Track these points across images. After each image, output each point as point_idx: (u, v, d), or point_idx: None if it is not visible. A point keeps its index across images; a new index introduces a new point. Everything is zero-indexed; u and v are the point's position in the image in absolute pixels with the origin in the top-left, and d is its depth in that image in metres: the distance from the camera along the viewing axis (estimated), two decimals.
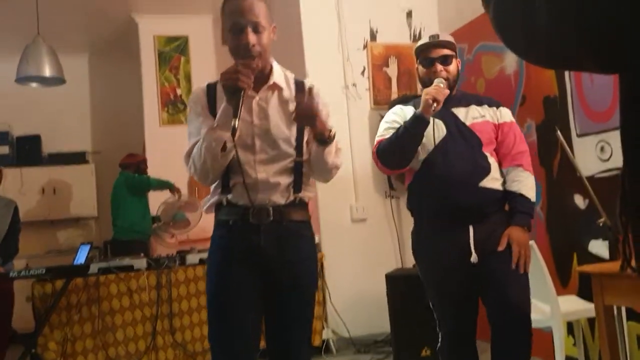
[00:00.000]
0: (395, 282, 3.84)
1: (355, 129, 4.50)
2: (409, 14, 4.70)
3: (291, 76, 2.00)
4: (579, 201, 3.33)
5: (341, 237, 4.43)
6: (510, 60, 3.89)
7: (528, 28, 0.88)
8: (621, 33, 0.79)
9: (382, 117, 4.46)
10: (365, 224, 4.50)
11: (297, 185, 1.91)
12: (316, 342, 4.24)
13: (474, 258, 2.30)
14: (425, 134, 2.33)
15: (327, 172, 1.97)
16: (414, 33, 4.68)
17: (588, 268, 2.55)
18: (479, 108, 2.44)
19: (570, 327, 3.25)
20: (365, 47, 4.56)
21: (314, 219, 4.46)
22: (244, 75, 1.76)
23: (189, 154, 1.89)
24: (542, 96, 3.58)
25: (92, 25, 5.93)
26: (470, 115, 2.41)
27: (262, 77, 1.91)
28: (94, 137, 6.83)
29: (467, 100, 2.47)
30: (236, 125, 1.73)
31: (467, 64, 4.37)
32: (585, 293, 3.19)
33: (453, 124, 2.39)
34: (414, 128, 2.30)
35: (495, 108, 2.47)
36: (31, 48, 4.60)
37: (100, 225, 6.63)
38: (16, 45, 4.97)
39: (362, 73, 4.55)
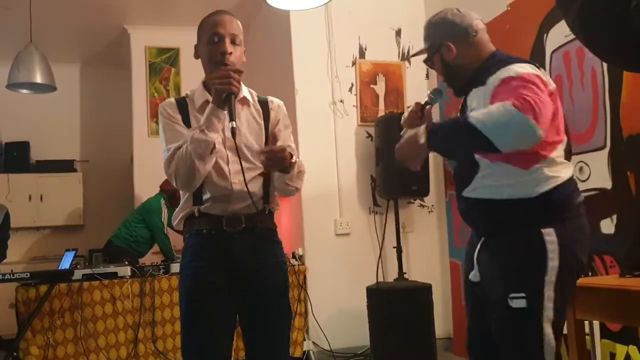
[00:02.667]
0: (376, 295, 3.89)
1: (342, 145, 4.57)
2: (398, 32, 4.80)
3: (254, 93, 2.10)
4: None
5: (325, 251, 4.48)
6: (493, 82, 3.98)
7: (619, 32, 0.92)
8: None
9: (369, 134, 4.59)
10: (348, 238, 4.55)
11: (266, 196, 2.00)
12: (297, 353, 4.27)
13: (472, 276, 1.99)
14: None
15: (287, 192, 2.02)
16: (402, 51, 4.78)
17: None
18: (477, 91, 1.94)
19: None
20: (353, 64, 4.65)
21: (298, 232, 4.55)
22: (235, 80, 1.84)
23: (170, 160, 1.90)
24: None
25: (85, 35, 5.98)
26: (469, 108, 1.97)
27: None
28: (83, 146, 6.86)
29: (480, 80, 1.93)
30: (235, 126, 1.80)
31: None
32: None
33: None
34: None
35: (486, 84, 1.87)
36: (23, 55, 4.65)
37: (86, 234, 6.64)
38: (8, 52, 5.02)
39: (350, 90, 4.63)
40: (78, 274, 3.89)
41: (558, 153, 1.84)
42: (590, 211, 3.00)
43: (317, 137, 4.51)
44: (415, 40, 4.79)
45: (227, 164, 1.94)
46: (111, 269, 4.04)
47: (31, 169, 6.44)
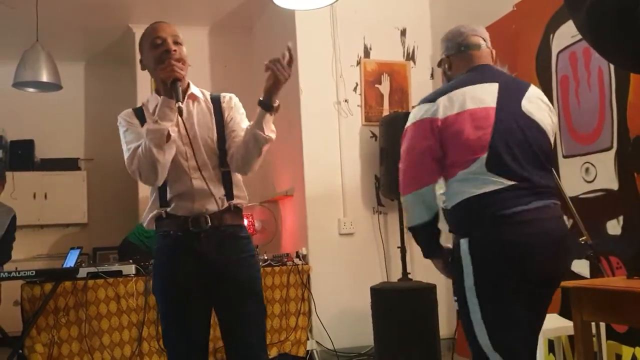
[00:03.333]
0: (380, 295, 3.89)
1: (346, 144, 4.57)
2: (403, 32, 4.80)
3: (207, 92, 2.21)
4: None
5: (328, 251, 4.49)
6: None
7: (627, 34, 0.93)
8: None
9: (373, 133, 4.59)
10: (352, 238, 4.55)
11: (229, 193, 2.10)
12: (300, 352, 4.28)
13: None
14: None
15: (257, 149, 2.03)
16: (407, 51, 4.78)
17: (568, 283, 2.62)
18: None
19: (551, 345, 3.31)
20: (358, 63, 4.65)
21: (302, 232, 4.55)
22: (178, 67, 1.98)
23: (132, 157, 1.98)
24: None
25: (90, 34, 5.99)
26: None
27: (182, 91, 2.06)
28: (87, 144, 6.87)
29: None
30: (181, 106, 1.92)
31: None
32: (566, 312, 3.25)
33: None
34: None
35: None
36: (29, 54, 4.66)
37: (90, 232, 6.65)
38: (14, 50, 5.03)
39: (355, 89, 4.63)
40: (83, 272, 3.89)
41: (474, 169, 1.93)
42: (596, 212, 3.00)
43: (321, 137, 4.51)
44: (420, 40, 4.80)
45: (186, 160, 2.05)
46: (116, 267, 4.05)
47: (36, 167, 6.46)
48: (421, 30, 4.83)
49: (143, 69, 2.18)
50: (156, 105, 2.02)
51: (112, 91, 6.64)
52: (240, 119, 2.17)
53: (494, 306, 1.90)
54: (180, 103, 1.92)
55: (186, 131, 2.05)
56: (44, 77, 4.60)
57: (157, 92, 2.13)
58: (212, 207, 2.05)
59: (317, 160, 4.53)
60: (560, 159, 3.42)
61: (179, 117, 2.01)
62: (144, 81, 5.74)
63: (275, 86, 1.99)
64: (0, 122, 6.35)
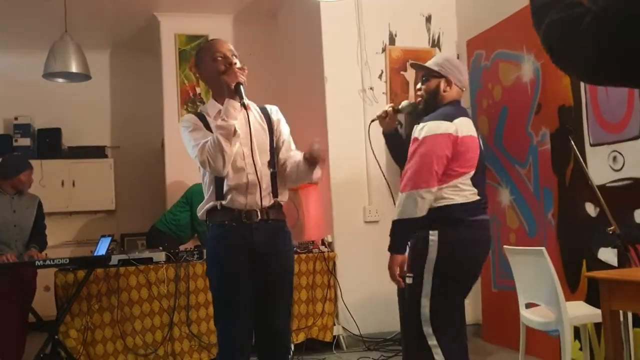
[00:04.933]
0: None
1: (371, 132, 4.56)
2: (428, 19, 4.77)
3: (253, 104, 2.50)
4: (590, 209, 3.40)
5: (354, 238, 4.53)
6: (527, 69, 3.96)
7: (575, 50, 0.98)
8: None
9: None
10: (377, 226, 4.58)
11: (275, 191, 2.39)
12: (327, 338, 4.35)
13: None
14: None
15: (302, 182, 2.49)
16: (432, 38, 4.76)
17: (596, 274, 2.62)
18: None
19: (577, 332, 3.32)
20: (383, 50, 4.64)
21: (328, 219, 4.59)
22: (241, 73, 2.30)
23: (202, 149, 2.24)
24: (557, 105, 3.66)
25: (115, 23, 6.05)
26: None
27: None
28: (113, 132, 6.96)
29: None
30: (246, 103, 2.28)
31: (484, 70, 4.44)
32: (593, 299, 3.26)
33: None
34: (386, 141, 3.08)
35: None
36: (59, 44, 4.72)
37: (118, 219, 6.77)
38: (43, 40, 5.10)
39: (380, 77, 4.63)
40: (114, 259, 3.99)
41: (462, 180, 2.49)
42: (624, 201, 3.02)
43: (346, 125, 4.53)
44: (446, 26, 4.78)
45: (244, 158, 2.33)
46: (146, 254, 4.14)
47: (63, 155, 6.56)
48: (446, 17, 4.80)
49: (199, 78, 2.59)
50: (219, 110, 2.32)
51: (138, 79, 6.71)
52: (286, 131, 2.53)
53: (441, 281, 2.44)
54: (245, 100, 2.26)
55: (249, 130, 2.31)
56: (73, 68, 4.67)
57: (215, 98, 2.43)
58: (262, 202, 2.32)
59: (342, 148, 4.55)
60: (588, 148, 3.41)
61: (245, 114, 2.31)
62: (169, 70, 5.82)
63: (315, 161, 2.35)
64: (28, 110, 6.47)
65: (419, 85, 2.78)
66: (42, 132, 6.53)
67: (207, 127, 2.36)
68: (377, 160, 3.17)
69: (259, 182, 2.31)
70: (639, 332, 2.99)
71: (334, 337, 4.38)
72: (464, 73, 2.78)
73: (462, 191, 2.50)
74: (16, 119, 6.42)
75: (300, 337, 4.25)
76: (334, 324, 4.40)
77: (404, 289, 3.89)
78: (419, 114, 2.98)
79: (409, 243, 2.54)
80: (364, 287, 4.44)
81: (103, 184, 6.55)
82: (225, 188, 2.33)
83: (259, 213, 2.32)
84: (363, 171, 4.55)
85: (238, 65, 2.35)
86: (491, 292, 4.47)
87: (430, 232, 2.45)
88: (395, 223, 2.48)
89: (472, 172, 2.53)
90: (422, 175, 2.41)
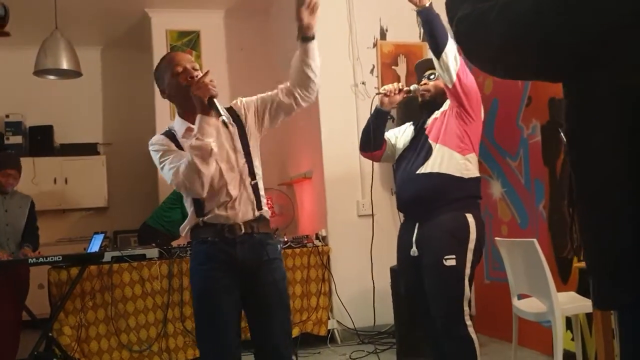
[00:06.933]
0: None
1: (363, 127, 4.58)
2: None
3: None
4: None
5: (347, 232, 4.54)
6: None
7: (485, 44, 1.02)
8: (562, 46, 0.92)
9: (391, 115, 4.60)
10: (371, 219, 4.58)
11: (258, 203, 2.25)
12: (322, 332, 4.37)
13: (413, 252, 2.65)
14: (401, 136, 2.91)
15: (312, 72, 2.22)
16: (423, 32, 4.76)
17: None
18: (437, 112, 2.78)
19: (569, 323, 3.35)
20: (375, 45, 4.65)
21: (321, 214, 4.60)
22: (212, 85, 2.10)
23: (176, 173, 2.09)
24: (548, 97, 3.68)
25: (106, 19, 6.03)
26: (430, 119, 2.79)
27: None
28: (106, 129, 6.95)
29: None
30: (225, 120, 2.13)
31: None
32: (584, 290, 3.29)
33: (420, 129, 2.81)
34: (373, 117, 2.93)
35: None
36: (49, 41, 4.70)
37: (111, 216, 6.76)
38: (33, 37, 5.08)
39: (372, 71, 4.64)
40: (107, 256, 3.99)
41: (475, 157, 2.66)
42: None
43: (339, 120, 4.54)
44: None
45: (221, 175, 2.19)
46: (139, 251, 4.14)
47: (55, 153, 6.54)
48: (438, 10, 4.79)
49: (164, 96, 2.30)
50: (187, 128, 2.18)
51: (129, 76, 6.69)
52: (256, 101, 2.32)
53: (474, 263, 2.56)
54: (224, 117, 2.11)
55: (222, 146, 2.19)
56: (64, 65, 4.65)
57: (181, 115, 2.27)
58: (245, 216, 2.21)
59: (335, 143, 4.56)
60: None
61: (225, 130, 2.19)
62: None
63: (311, 12, 2.27)
64: (19, 108, 6.44)
65: (424, 81, 2.84)
66: (34, 130, 6.51)
67: (179, 146, 2.20)
68: None
69: (242, 198, 2.21)
70: None
71: (329, 331, 4.40)
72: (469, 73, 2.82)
73: (477, 166, 2.69)
74: (7, 116, 6.40)
75: (295, 332, 4.25)
76: (329, 318, 4.42)
77: (398, 282, 3.93)
78: (414, 108, 3.02)
79: (442, 219, 2.57)
80: (358, 280, 4.45)
81: (95, 181, 6.55)
82: (205, 205, 2.21)
83: (242, 227, 2.20)
84: (356, 165, 4.56)
85: (203, 76, 2.13)
86: (484, 284, 4.50)
87: (467, 215, 2.55)
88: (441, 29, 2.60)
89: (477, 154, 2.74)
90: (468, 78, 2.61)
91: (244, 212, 2.21)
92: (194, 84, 2.10)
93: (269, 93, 2.30)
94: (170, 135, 2.25)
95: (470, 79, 2.60)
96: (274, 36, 5.74)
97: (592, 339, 3.35)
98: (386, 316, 4.14)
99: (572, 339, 3.39)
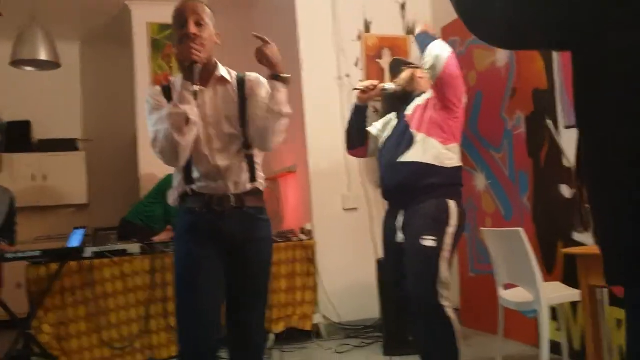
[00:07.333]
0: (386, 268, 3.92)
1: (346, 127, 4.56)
2: (403, 6, 4.77)
3: (234, 73, 2.20)
4: (565, 191, 3.43)
5: (333, 226, 4.51)
6: (502, 54, 3.98)
7: (487, 14, 0.99)
8: (573, 14, 0.90)
9: (376, 108, 4.59)
10: (356, 213, 4.58)
11: (252, 175, 2.13)
12: (307, 326, 4.33)
13: (399, 238, 2.72)
14: (382, 127, 2.99)
15: (273, 124, 2.05)
16: (407, 25, 4.75)
17: (574, 250, 2.65)
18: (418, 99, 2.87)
19: (554, 313, 3.36)
20: (359, 38, 4.62)
21: (306, 208, 4.57)
22: (196, 50, 1.98)
23: (155, 140, 2.01)
24: (532, 88, 3.68)
25: (86, 12, 5.92)
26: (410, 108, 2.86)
27: (208, 73, 2.09)
28: (85, 125, 6.83)
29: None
30: (196, 89, 1.95)
31: (459, 57, 4.44)
32: (569, 280, 3.30)
33: (401, 119, 2.88)
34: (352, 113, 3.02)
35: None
36: (27, 32, 4.60)
37: (91, 213, 6.64)
38: (11, 29, 4.96)
39: (356, 64, 4.61)
40: (88, 251, 3.91)
41: (458, 147, 2.74)
42: None
43: (323, 113, 4.51)
44: (421, 14, 4.78)
45: (209, 142, 2.07)
46: (120, 246, 4.06)
47: (33, 149, 6.41)
48: (421, 4, 4.80)
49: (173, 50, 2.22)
50: (182, 84, 2.02)
51: (109, 70, 6.59)
52: (260, 93, 2.15)
53: (454, 250, 2.65)
54: (196, 87, 1.95)
55: (218, 112, 2.08)
56: (42, 56, 4.54)
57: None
58: (237, 187, 2.09)
59: (320, 137, 4.53)
60: (562, 130, 3.44)
61: (206, 99, 2.06)
62: (142, 60, 5.71)
63: (267, 61, 2.07)
64: None
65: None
66: (11, 125, 6.35)
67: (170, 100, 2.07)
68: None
69: (230, 168, 2.08)
70: (614, 310, 3.03)
71: (314, 325, 4.37)
72: None
73: (459, 156, 2.77)
74: None
75: (280, 327, 4.22)
76: (314, 313, 4.38)
77: (383, 275, 3.91)
78: (395, 102, 3.04)
79: (424, 205, 2.63)
80: (344, 275, 4.43)
81: (75, 178, 6.43)
82: (194, 173, 2.10)
83: (232, 199, 2.08)
84: (341, 158, 4.52)
85: (199, 37, 2.01)
86: (468, 277, 4.50)
87: (448, 201, 2.63)
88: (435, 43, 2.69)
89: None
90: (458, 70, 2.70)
91: (235, 183, 2.10)
92: (179, 47, 2.02)
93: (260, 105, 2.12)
94: (166, 89, 2.12)
95: (456, 72, 2.68)
96: (258, 29, 5.65)
97: (577, 327, 3.37)
98: (373, 310, 4.12)
99: (558, 329, 3.40)
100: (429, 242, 2.57)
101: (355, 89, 2.96)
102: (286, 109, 2.08)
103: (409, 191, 2.68)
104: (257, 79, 2.18)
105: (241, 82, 2.17)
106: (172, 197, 2.17)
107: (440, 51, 2.66)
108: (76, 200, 6.53)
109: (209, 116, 2.08)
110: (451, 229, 2.60)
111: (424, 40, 2.76)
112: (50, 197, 6.38)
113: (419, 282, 2.58)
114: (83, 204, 6.60)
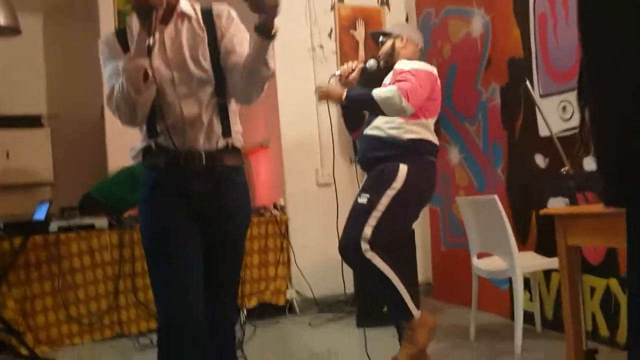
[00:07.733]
0: None
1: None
2: None
3: (198, 6, 1.90)
4: (540, 161, 3.43)
5: (306, 201, 4.45)
6: (477, 23, 3.95)
7: None
8: None
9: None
10: (330, 189, 4.49)
11: (226, 128, 1.84)
12: (280, 302, 4.28)
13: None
14: None
15: (260, 78, 1.78)
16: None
17: (551, 210, 2.64)
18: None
19: (527, 284, 3.37)
20: (332, 8, 4.54)
21: (279, 183, 4.49)
22: None
23: (110, 96, 1.77)
24: (508, 58, 3.66)
25: None
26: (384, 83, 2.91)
27: (169, 8, 1.81)
28: (49, 100, 6.61)
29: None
30: (151, 43, 1.66)
31: (433, 29, 4.41)
32: (543, 250, 3.31)
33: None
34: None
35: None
36: None
37: (56, 191, 6.45)
38: None
39: (330, 35, 4.53)
40: (54, 226, 3.79)
41: (429, 123, 2.79)
42: (573, 150, 3.03)
43: (296, 84, 4.42)
44: None
45: (174, 88, 1.79)
46: (88, 221, 3.95)
47: None
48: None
49: None
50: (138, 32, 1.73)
51: (74, 43, 6.35)
52: (241, 39, 1.86)
53: (396, 210, 2.65)
54: (150, 39, 1.65)
55: (181, 52, 1.80)
56: (1, 21, 4.31)
57: None
58: (207, 143, 1.81)
59: (292, 110, 4.45)
60: (538, 99, 3.42)
61: (165, 39, 1.80)
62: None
63: (269, 8, 1.71)
64: None
65: (379, 50, 3.00)
66: None
67: (127, 49, 1.79)
68: (331, 121, 3.05)
69: (201, 118, 1.78)
70: (588, 278, 3.04)
71: (287, 300, 4.32)
72: (418, 32, 3.09)
73: (430, 131, 2.81)
74: None
75: (253, 302, 4.16)
76: (287, 288, 4.33)
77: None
78: (374, 79, 3.00)
79: (374, 169, 2.74)
80: (317, 250, 4.37)
81: (40, 155, 6.22)
82: (159, 126, 1.80)
83: (203, 157, 1.79)
84: (314, 132, 4.47)
85: None
86: (441, 251, 4.50)
87: (401, 164, 2.68)
88: (370, 98, 2.64)
89: (435, 119, 2.86)
90: (416, 98, 2.64)
91: (206, 138, 1.81)
92: None
93: (242, 46, 1.83)
94: (121, 33, 1.86)
95: (421, 97, 2.71)
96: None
97: (550, 297, 3.38)
98: (347, 285, 4.06)
99: (530, 300, 3.41)
100: (362, 199, 2.68)
101: (333, 76, 2.87)
102: (272, 63, 1.80)
103: (371, 160, 2.80)
104: (230, 13, 1.89)
105: (209, 17, 1.86)
106: (134, 152, 1.91)
107: (385, 93, 2.65)
108: (42, 179, 6.33)
109: (172, 59, 1.80)
110: (392, 192, 2.64)
111: (358, 97, 2.74)
112: (15, 175, 6.17)
113: (344, 235, 2.71)
114: (48, 182, 6.41)
